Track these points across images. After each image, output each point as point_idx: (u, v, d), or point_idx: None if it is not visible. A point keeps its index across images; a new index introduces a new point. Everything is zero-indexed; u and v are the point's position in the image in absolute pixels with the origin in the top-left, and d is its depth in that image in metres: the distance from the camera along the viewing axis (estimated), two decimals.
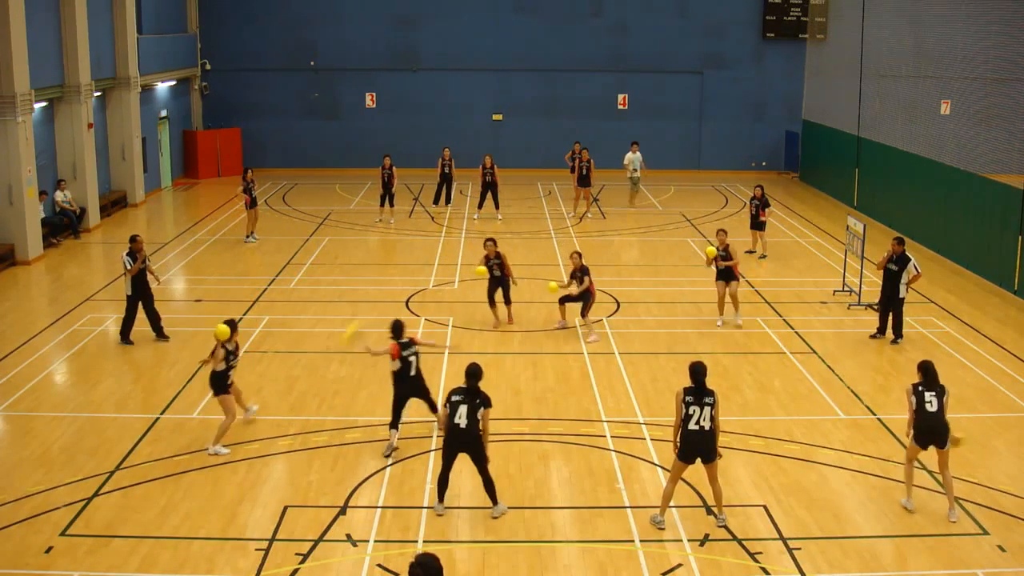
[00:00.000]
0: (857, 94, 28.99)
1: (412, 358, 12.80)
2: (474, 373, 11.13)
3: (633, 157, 29.24)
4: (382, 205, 27.21)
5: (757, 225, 23.44)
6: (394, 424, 12.90)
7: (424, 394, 13.09)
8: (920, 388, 11.26)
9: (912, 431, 11.31)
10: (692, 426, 10.67)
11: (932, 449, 11.27)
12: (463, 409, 10.96)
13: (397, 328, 12.84)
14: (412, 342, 12.92)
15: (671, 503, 11.23)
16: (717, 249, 18.17)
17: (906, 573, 10.26)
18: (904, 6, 29.42)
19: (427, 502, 11.53)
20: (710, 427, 10.70)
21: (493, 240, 18.17)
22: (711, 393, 10.72)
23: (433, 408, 13.09)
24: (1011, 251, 20.17)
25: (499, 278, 18.06)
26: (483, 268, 18.08)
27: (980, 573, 10.25)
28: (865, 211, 27.76)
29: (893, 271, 17.28)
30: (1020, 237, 19.81)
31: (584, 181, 27.77)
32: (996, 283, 20.85)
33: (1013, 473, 12.53)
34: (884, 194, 27.32)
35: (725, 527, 10.99)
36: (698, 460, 10.81)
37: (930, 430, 11.18)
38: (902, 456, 12.75)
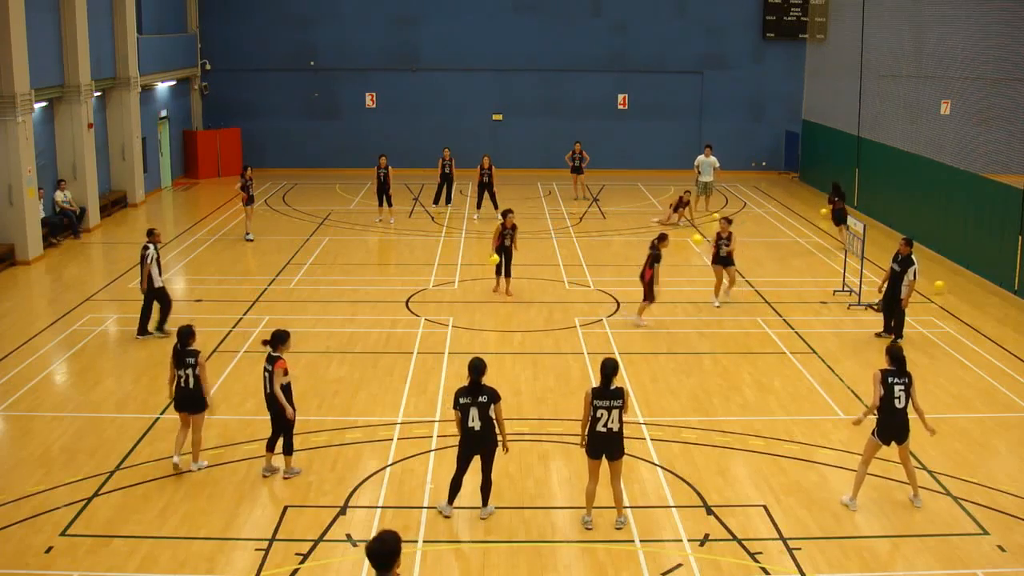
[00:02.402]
0: (857, 94, 28.99)
1: (265, 374, 12.01)
2: (476, 367, 10.94)
3: (706, 160, 28.48)
4: (380, 204, 27.22)
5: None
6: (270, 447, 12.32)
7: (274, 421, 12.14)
8: (890, 379, 11.28)
9: (876, 426, 11.41)
10: (600, 428, 10.68)
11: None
12: (474, 412, 10.85)
13: (272, 338, 12.02)
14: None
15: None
16: (719, 236, 19.30)
17: (906, 573, 10.26)
18: (904, 6, 29.41)
19: (427, 502, 11.52)
20: (618, 428, 10.69)
21: (512, 212, 20.18)
22: (619, 395, 10.66)
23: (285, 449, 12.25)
24: (1011, 251, 20.17)
25: (507, 248, 19.81)
26: (496, 256, 19.87)
27: (980, 573, 10.24)
28: (865, 211, 27.76)
29: (896, 271, 17.27)
30: (1020, 237, 19.80)
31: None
32: (996, 283, 20.84)
33: (1013, 473, 12.53)
34: (884, 194, 27.32)
35: (623, 528, 10.95)
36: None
37: (894, 426, 11.31)
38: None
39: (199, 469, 12.23)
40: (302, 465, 12.38)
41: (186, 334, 12.20)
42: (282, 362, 11.83)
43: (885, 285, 17.59)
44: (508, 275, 20.05)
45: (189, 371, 12.06)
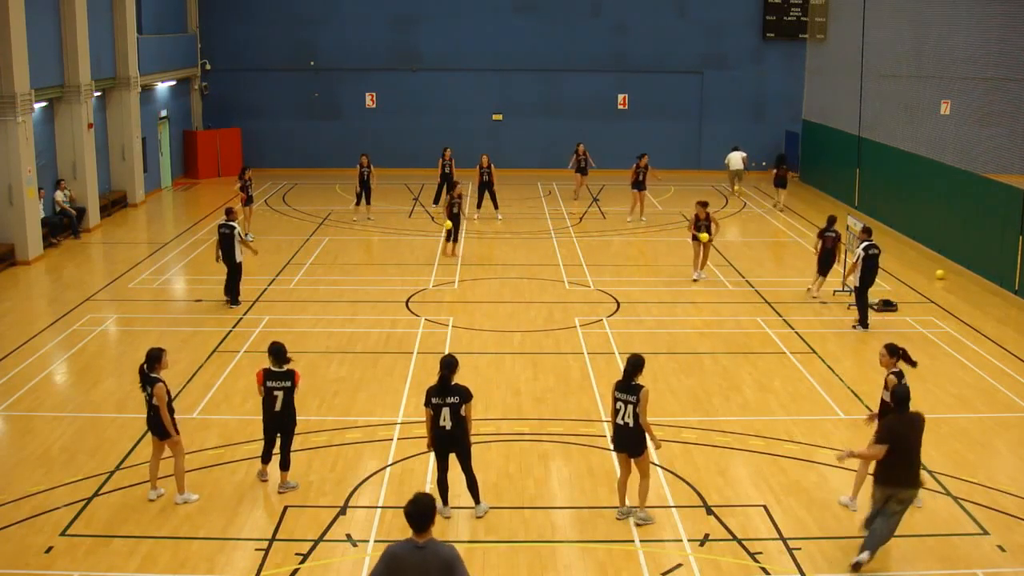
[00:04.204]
0: (857, 94, 28.99)
1: (278, 392, 11.51)
2: (448, 364, 10.93)
3: (738, 156, 32.21)
4: (358, 204, 27.29)
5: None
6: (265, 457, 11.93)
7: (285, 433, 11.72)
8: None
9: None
10: (618, 420, 10.90)
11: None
12: (445, 412, 10.85)
13: (276, 353, 11.63)
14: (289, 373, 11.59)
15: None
16: (697, 218, 21.07)
17: (906, 573, 10.26)
18: (904, 6, 29.39)
19: None
20: (634, 424, 10.77)
21: (460, 183, 24.35)
22: (636, 390, 10.74)
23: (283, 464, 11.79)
24: (1011, 251, 20.17)
25: (458, 215, 23.30)
26: (450, 222, 23.02)
27: (980, 573, 10.24)
28: (865, 211, 27.74)
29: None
30: (1020, 237, 19.80)
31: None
32: (996, 283, 20.84)
33: (1013, 473, 12.53)
34: (884, 194, 27.31)
35: (644, 524, 10.99)
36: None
37: None
38: None
39: (183, 502, 11.34)
40: (302, 465, 12.36)
41: (152, 358, 11.18)
42: (298, 374, 11.62)
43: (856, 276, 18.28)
44: (456, 240, 23.50)
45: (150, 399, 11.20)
